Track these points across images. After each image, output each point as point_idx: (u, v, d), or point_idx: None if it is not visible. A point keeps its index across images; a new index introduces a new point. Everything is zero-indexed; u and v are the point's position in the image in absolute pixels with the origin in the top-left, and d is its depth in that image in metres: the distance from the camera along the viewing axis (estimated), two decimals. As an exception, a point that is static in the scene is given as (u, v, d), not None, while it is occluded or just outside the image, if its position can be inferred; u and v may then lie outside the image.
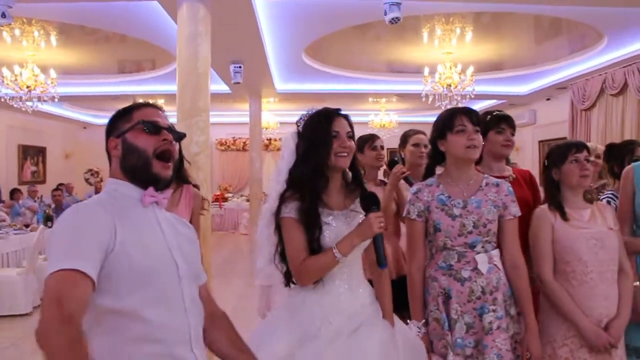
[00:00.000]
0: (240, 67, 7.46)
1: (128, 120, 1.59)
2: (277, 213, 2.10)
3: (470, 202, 2.33)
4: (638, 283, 2.58)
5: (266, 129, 12.76)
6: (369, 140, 3.53)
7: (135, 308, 1.41)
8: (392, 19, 4.29)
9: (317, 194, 2.07)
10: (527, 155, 11.78)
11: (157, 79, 9.56)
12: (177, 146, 1.63)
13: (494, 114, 2.84)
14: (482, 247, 2.31)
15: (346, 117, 2.16)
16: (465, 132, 2.31)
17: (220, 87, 9.20)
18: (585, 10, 5.89)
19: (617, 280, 2.46)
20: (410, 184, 3.00)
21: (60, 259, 1.34)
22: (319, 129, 2.09)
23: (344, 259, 2.00)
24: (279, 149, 15.45)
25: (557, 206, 2.52)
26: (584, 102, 9.07)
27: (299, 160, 2.12)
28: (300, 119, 2.19)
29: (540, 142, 11.64)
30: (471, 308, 2.28)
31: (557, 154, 2.57)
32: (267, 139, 14.61)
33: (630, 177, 2.75)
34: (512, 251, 2.36)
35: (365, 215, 2.03)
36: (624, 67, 7.94)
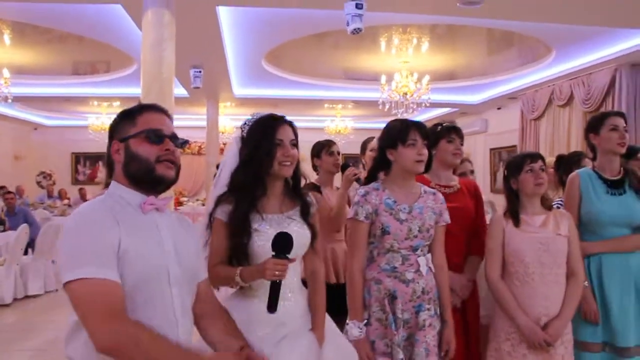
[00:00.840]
0: (200, 71, 7.46)
1: (132, 124, 1.58)
2: (212, 213, 2.10)
3: (414, 207, 2.47)
4: (587, 283, 2.77)
5: (222, 133, 12.72)
6: (325, 146, 3.63)
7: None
8: (354, 29, 4.40)
9: (254, 199, 2.07)
10: (478, 163, 12.09)
11: (113, 81, 9.41)
12: (173, 151, 1.61)
13: (444, 125, 3.01)
14: (421, 250, 2.47)
15: (291, 124, 2.16)
16: (416, 146, 2.43)
17: (178, 90, 9.07)
18: (534, 26, 6.15)
19: (564, 282, 2.62)
20: None
21: (85, 264, 1.38)
22: (263, 137, 2.08)
23: (244, 284, 2.01)
24: (235, 153, 15.57)
25: (513, 213, 2.69)
26: (533, 112, 9.42)
27: (241, 166, 2.12)
28: (245, 123, 2.17)
29: (491, 149, 11.98)
30: (411, 306, 2.42)
31: (513, 164, 2.74)
32: (223, 143, 14.54)
33: (576, 184, 2.90)
34: (441, 254, 2.55)
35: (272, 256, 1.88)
36: (570, 79, 8.28)
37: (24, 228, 7.12)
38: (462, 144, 2.95)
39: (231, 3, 5.32)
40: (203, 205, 12.79)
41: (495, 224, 2.72)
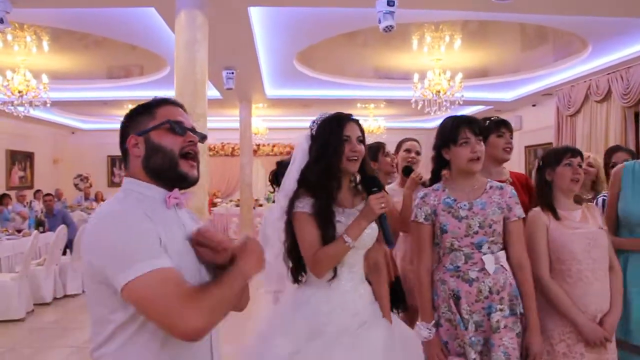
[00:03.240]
0: (233, 73, 7.53)
1: (151, 117, 1.52)
2: (290, 208, 2.17)
3: (475, 204, 2.41)
4: None
5: (255, 134, 12.82)
6: (381, 148, 3.63)
7: None
8: (386, 27, 4.40)
9: (330, 193, 2.15)
10: (513, 161, 11.82)
11: (147, 84, 9.56)
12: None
13: (493, 119, 2.95)
14: (489, 247, 2.38)
15: (357, 122, 2.25)
16: (469, 144, 2.40)
17: (211, 92, 9.19)
18: (569, 19, 6.04)
19: (608, 277, 2.57)
20: None
21: (139, 261, 1.30)
22: (332, 133, 2.18)
23: (354, 244, 2.08)
24: (267, 154, 15.56)
25: (549, 206, 2.62)
26: (569, 108, 9.24)
27: (311, 162, 2.20)
28: (314, 122, 2.27)
29: (526, 147, 11.81)
30: (480, 307, 2.34)
31: (552, 156, 2.68)
32: (256, 145, 14.66)
33: (618, 176, 2.86)
34: (518, 252, 2.43)
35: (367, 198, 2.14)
36: (607, 74, 8.10)
37: (62, 229, 7.29)
38: (512, 138, 2.91)
39: (263, 3, 5.35)
40: (237, 206, 12.91)
41: (537, 221, 2.62)
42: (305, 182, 2.19)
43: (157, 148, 1.49)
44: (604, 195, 3.17)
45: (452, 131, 2.44)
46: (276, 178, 3.67)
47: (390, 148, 3.89)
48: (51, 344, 5.36)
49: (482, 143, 2.43)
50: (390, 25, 4.40)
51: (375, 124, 13.20)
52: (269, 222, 2.34)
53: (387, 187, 3.48)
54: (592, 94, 8.59)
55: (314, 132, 2.24)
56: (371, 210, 2.09)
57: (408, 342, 2.26)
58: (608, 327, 2.48)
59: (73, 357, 5.02)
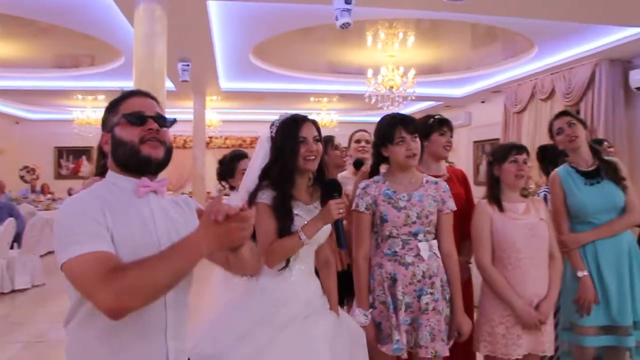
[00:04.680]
0: (188, 65, 7.47)
1: (114, 113, 1.59)
2: (252, 197, 2.26)
3: (414, 195, 2.58)
4: (585, 272, 2.94)
5: (209, 126, 12.72)
6: (330, 142, 3.72)
7: None
8: (343, 24, 4.47)
9: (289, 190, 2.26)
10: (462, 155, 12.26)
11: (100, 74, 9.33)
12: (167, 135, 1.59)
13: (436, 117, 3.12)
14: (424, 236, 2.57)
15: (314, 122, 2.36)
16: (405, 142, 2.56)
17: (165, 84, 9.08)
18: (518, 21, 6.28)
19: (547, 265, 2.77)
20: None
21: (75, 243, 1.37)
22: (288, 135, 2.29)
23: (308, 241, 2.20)
24: (219, 147, 15.42)
25: (495, 200, 2.81)
26: (516, 105, 9.57)
27: (270, 163, 2.31)
28: (273, 124, 2.37)
29: (475, 142, 12.15)
30: (412, 290, 2.52)
31: (499, 152, 2.87)
32: (209, 137, 14.54)
33: (557, 182, 3.08)
34: (448, 242, 2.64)
35: (325, 202, 2.23)
36: (551, 74, 8.44)
37: (10, 222, 7.11)
38: (452, 137, 3.07)
39: (221, -4, 5.35)
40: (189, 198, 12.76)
41: (483, 212, 2.82)
42: (268, 180, 2.29)
43: (120, 142, 1.56)
44: (546, 190, 3.38)
45: (388, 131, 2.60)
46: (222, 175, 3.74)
47: (343, 141, 4.00)
48: (0, 340, 5.24)
49: (417, 140, 2.59)
50: (347, 23, 4.48)
51: (328, 117, 13.31)
52: None
53: (339, 175, 3.62)
54: (537, 92, 8.93)
55: (273, 134, 2.35)
56: (329, 214, 2.19)
57: (354, 333, 2.39)
58: (543, 311, 2.68)
59: (24, 352, 4.92)
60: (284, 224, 2.22)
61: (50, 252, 9.48)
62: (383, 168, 2.75)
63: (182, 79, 7.65)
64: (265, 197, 2.24)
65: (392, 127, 2.59)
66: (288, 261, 2.26)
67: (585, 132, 3.09)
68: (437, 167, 3.08)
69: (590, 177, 3.03)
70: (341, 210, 2.20)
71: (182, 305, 1.62)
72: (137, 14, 4.67)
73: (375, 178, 2.69)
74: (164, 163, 1.60)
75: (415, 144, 2.57)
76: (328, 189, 2.26)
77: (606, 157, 3.12)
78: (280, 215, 2.22)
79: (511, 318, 2.69)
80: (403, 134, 2.56)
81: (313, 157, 2.29)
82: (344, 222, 2.37)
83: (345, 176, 3.64)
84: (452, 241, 2.66)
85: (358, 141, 3.79)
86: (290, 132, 2.29)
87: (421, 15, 6.34)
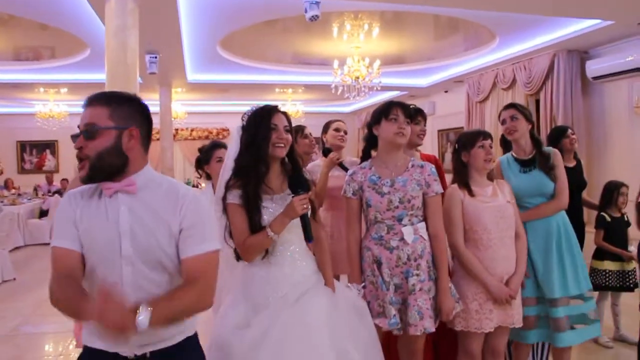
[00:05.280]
0: (156, 57, 7.43)
1: None
2: (224, 199, 2.37)
3: (397, 181, 2.72)
4: None
5: (174, 118, 12.66)
6: (299, 131, 3.83)
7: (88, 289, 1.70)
8: (312, 16, 4.58)
9: (259, 179, 2.35)
10: (427, 144, 12.46)
11: (64, 67, 9.14)
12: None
13: (411, 107, 3.26)
14: (409, 220, 2.71)
15: (285, 113, 2.46)
16: (397, 121, 2.71)
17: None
18: (479, 13, 6.45)
19: (513, 243, 2.96)
20: (345, 170, 3.35)
21: (54, 237, 1.75)
22: (260, 122, 2.38)
23: (277, 237, 2.29)
24: (186, 139, 15.32)
25: (465, 184, 2.98)
26: (478, 94, 9.81)
27: (242, 150, 2.40)
28: (245, 114, 2.46)
29: (439, 131, 12.39)
30: (399, 272, 2.68)
31: (467, 139, 3.03)
32: (175, 129, 14.45)
33: (498, 168, 3.34)
34: (434, 223, 2.77)
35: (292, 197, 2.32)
36: (513, 64, 8.67)
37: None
38: (425, 126, 3.24)
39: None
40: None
41: (454, 196, 2.98)
42: (238, 171, 2.37)
43: None
44: None
45: (385, 108, 2.76)
46: (199, 163, 3.82)
47: (311, 131, 4.12)
48: (-29, 335, 5.21)
49: (409, 126, 2.75)
50: (316, 15, 4.59)
51: (293, 108, 13.40)
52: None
53: (313, 164, 3.75)
54: (499, 82, 9.17)
55: (244, 124, 2.44)
56: (294, 210, 2.28)
57: (353, 304, 2.50)
58: (512, 286, 2.89)
59: (-3, 346, 4.92)
60: (253, 220, 2.31)
61: (17, 248, 9.36)
62: (373, 153, 2.89)
63: (150, 71, 7.60)
64: (233, 197, 2.33)
65: (390, 105, 2.76)
66: (267, 250, 2.36)
67: (527, 125, 3.31)
68: (411, 155, 3.22)
69: (525, 165, 3.30)
70: (305, 206, 2.29)
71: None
72: (108, 7, 4.66)
73: (363, 164, 2.84)
74: (90, 179, 1.74)
75: (407, 127, 2.73)
76: (293, 185, 2.35)
77: (544, 149, 3.35)
78: (249, 211, 2.31)
79: (483, 295, 2.87)
80: (398, 112, 2.72)
81: (282, 145, 2.38)
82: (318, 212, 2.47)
83: (318, 164, 3.77)
84: (440, 223, 2.79)
85: (337, 130, 3.89)
86: (262, 120, 2.38)
87: (386, 7, 6.47)
